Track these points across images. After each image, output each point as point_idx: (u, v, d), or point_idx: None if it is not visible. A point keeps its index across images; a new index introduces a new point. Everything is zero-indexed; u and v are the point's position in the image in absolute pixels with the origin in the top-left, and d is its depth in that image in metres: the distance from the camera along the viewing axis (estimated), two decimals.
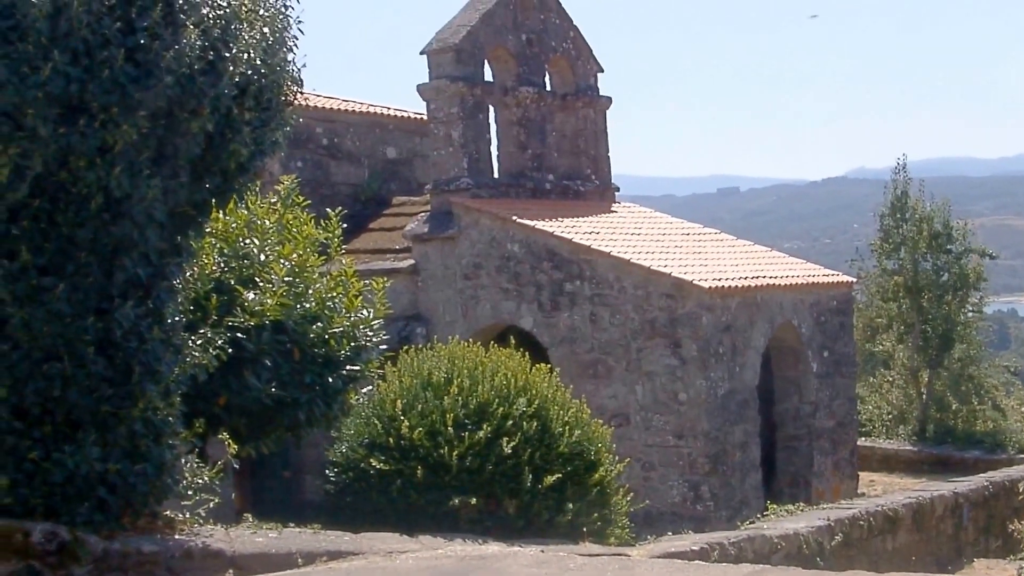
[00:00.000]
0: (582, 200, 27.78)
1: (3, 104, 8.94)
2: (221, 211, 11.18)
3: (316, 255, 12.44)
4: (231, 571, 10.01)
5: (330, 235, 12.80)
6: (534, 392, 12.63)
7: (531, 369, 13.14)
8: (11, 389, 9.56)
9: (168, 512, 10.29)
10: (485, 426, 12.12)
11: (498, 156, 26.79)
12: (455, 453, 12.01)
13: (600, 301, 23.42)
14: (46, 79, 8.89)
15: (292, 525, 11.12)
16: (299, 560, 10.20)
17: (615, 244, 24.34)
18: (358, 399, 12.38)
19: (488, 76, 26.77)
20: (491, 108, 26.44)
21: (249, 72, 9.78)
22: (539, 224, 24.21)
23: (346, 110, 29.37)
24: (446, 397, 12.36)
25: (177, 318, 10.31)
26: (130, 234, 9.60)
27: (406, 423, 12.28)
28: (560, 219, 24.98)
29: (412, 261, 25.03)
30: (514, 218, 24.29)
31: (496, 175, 26.42)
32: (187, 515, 10.40)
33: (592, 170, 28.45)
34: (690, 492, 23.16)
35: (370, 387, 12.80)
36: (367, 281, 13.04)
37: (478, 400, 12.35)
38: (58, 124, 9.11)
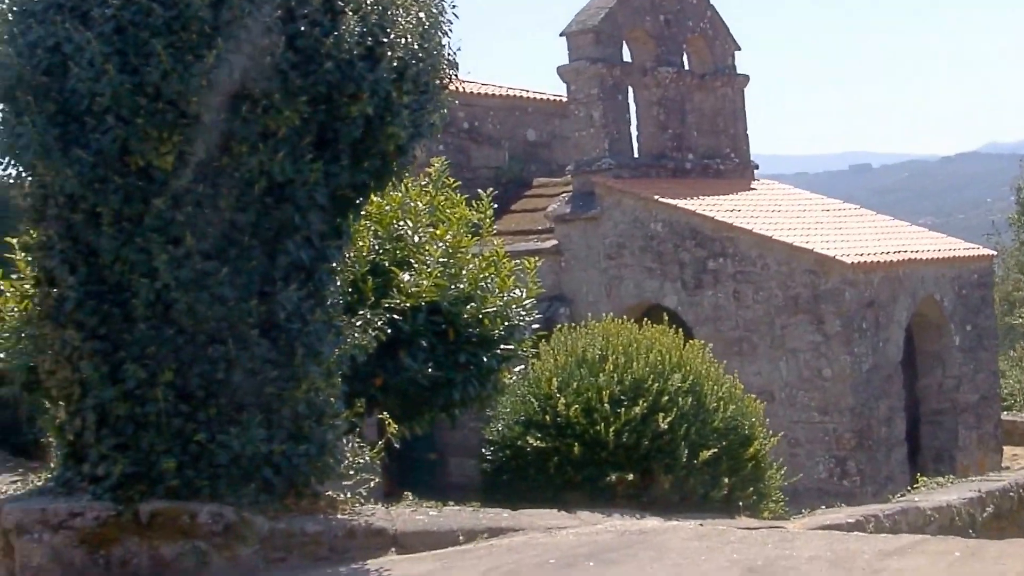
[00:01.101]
0: (722, 179, 27.67)
1: (168, 92, 9.14)
2: (379, 194, 11.30)
3: (469, 236, 12.53)
4: (393, 549, 10.13)
5: (482, 216, 12.88)
6: (688, 368, 12.63)
7: (684, 346, 13.15)
8: (176, 372, 9.76)
9: (329, 492, 10.40)
10: (641, 402, 12.13)
11: (638, 136, 26.78)
12: (611, 429, 12.04)
13: (743, 278, 23.32)
14: (209, 67, 9.07)
15: (451, 504, 11.22)
16: (460, 537, 10.29)
17: (757, 221, 24.23)
18: (511, 378, 12.45)
19: (627, 57, 26.76)
20: (630, 89, 26.41)
21: (406, 56, 9.88)
22: (681, 203, 24.18)
23: (486, 94, 29.54)
24: (601, 374, 12.39)
25: (338, 300, 10.44)
26: (292, 218, 9.76)
27: (562, 401, 12.33)
28: (701, 198, 24.91)
29: (555, 242, 25.09)
30: (656, 197, 24.26)
31: (636, 155, 26.41)
32: (347, 495, 10.50)
33: (731, 149, 28.32)
34: (836, 468, 23.00)
35: (521, 366, 12.84)
36: (517, 262, 13.10)
37: (633, 377, 12.37)
38: (221, 111, 9.28)
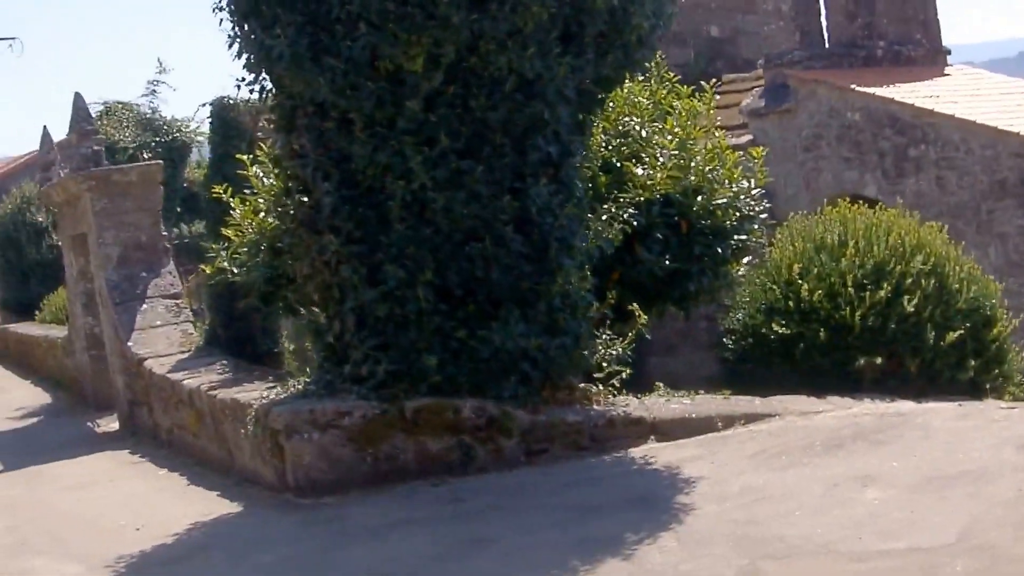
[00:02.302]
0: (914, 66, 27.07)
1: None
2: (620, 86, 11.31)
3: (696, 128, 12.47)
4: (652, 437, 10.24)
5: (707, 107, 12.81)
6: (929, 250, 12.50)
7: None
8: (435, 272, 9.93)
9: (583, 384, 10.52)
10: (884, 285, 12.03)
11: (827, 26, 26.34)
12: (857, 313, 11.96)
13: (946, 165, 22.90)
14: None
15: (701, 392, 11.27)
16: (719, 424, 10.36)
17: (956, 107, 23.72)
18: (741, 270, 12.40)
19: None
20: None
21: None
22: (878, 91, 23.77)
23: None
24: (843, 259, 12.31)
25: (583, 194, 10.51)
26: (542, 113, 9.84)
27: (805, 286, 12.27)
28: (897, 85, 24.42)
29: (750, 137, 24.84)
30: (852, 86, 23.89)
31: (827, 46, 26.02)
32: (600, 387, 10.60)
33: (921, 34, 27.69)
34: None
35: (749, 257, 12.78)
36: (741, 153, 13.03)
37: (874, 260, 12.26)
38: (469, 10, 9.36)
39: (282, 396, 10.70)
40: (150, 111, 24.78)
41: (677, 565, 7.11)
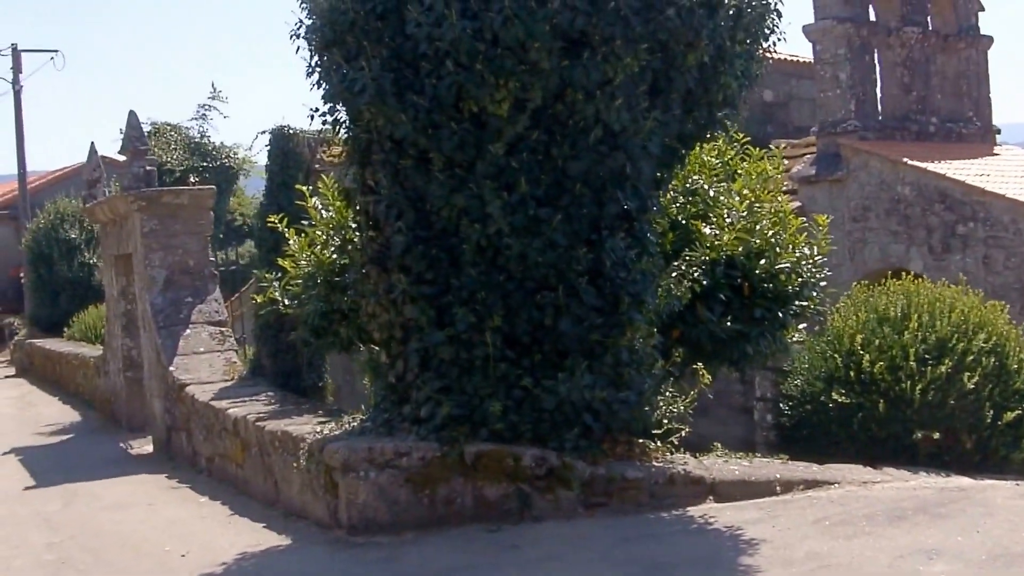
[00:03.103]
0: (964, 143, 27.05)
1: (508, 38, 9.18)
2: (701, 146, 11.24)
3: (765, 191, 12.40)
4: (711, 497, 10.13)
5: (776, 170, 12.73)
6: (991, 329, 12.43)
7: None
8: (504, 318, 9.85)
9: (640, 440, 10.43)
10: (946, 361, 11.97)
11: (881, 98, 26.31)
12: (918, 387, 11.90)
13: (994, 243, 22.81)
14: (554, 12, 9.10)
15: (758, 455, 11.19)
16: (778, 488, 10.25)
17: (1007, 186, 23.67)
18: (795, 336, 12.31)
19: (871, 16, 26.32)
20: (875, 50, 25.99)
21: (742, 3, 9.82)
22: (930, 166, 23.72)
23: None
24: (905, 332, 12.24)
25: (656, 250, 10.43)
26: (624, 166, 9.76)
27: (867, 357, 12.20)
28: (948, 161, 24.38)
29: (799, 203, 24.78)
30: (905, 160, 23.85)
31: (880, 117, 25.99)
32: (658, 444, 10.51)
33: (973, 112, 27.69)
34: None
35: (805, 324, 12.69)
36: (803, 218, 12.95)
37: (937, 335, 12.20)
38: (561, 57, 9.31)
39: (337, 432, 10.64)
40: (199, 135, 24.77)
41: None
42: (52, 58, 43.69)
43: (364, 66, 9.47)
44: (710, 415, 20.78)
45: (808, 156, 25.39)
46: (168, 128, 22.51)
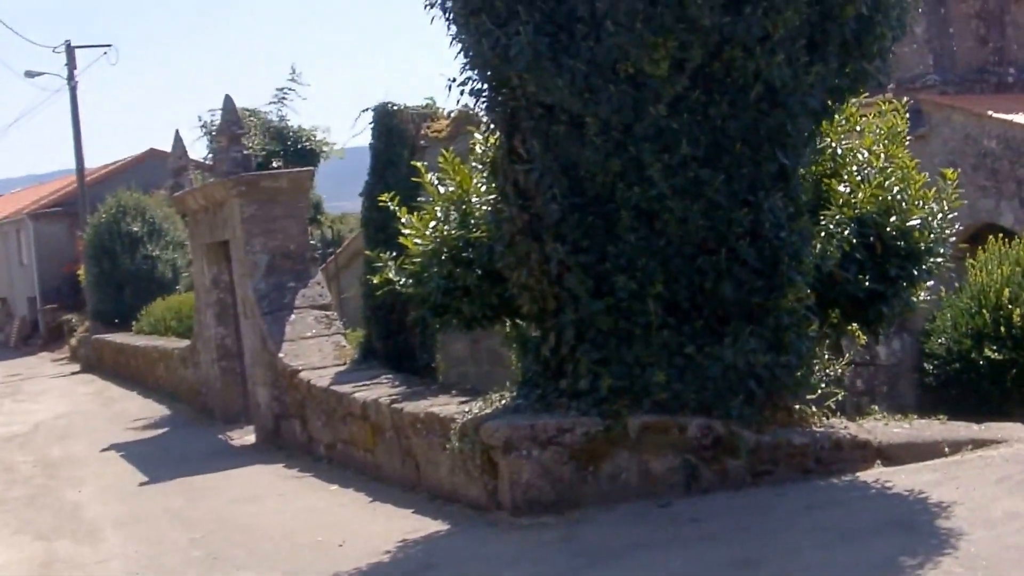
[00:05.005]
0: None
1: None
2: (853, 98, 10.92)
3: (893, 145, 12.08)
4: (879, 461, 9.88)
5: (902, 123, 12.41)
6: None
7: None
8: (664, 284, 9.58)
9: (798, 405, 10.16)
10: None
11: (956, 51, 25.96)
12: None
13: None
14: None
15: (915, 416, 10.90)
16: (945, 449, 9.95)
17: None
18: (923, 294, 12.02)
19: None
20: (949, 2, 25.64)
21: None
22: (1016, 118, 23.34)
23: None
24: None
25: (806, 208, 10.15)
26: (784, 124, 9.47)
27: (1017, 312, 11.94)
28: None
29: None
30: (990, 113, 23.47)
31: (958, 71, 25.64)
32: (814, 408, 10.24)
33: None
34: None
35: (932, 281, 12.39)
36: (932, 176, 12.63)
37: None
38: (721, 14, 9.01)
39: (488, 411, 10.35)
40: (277, 119, 24.56)
41: None
42: (105, 53, 43.67)
43: (520, 30, 9.17)
44: None
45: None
46: (247, 114, 22.29)
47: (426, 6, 10.12)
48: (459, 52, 9.89)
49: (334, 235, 29.63)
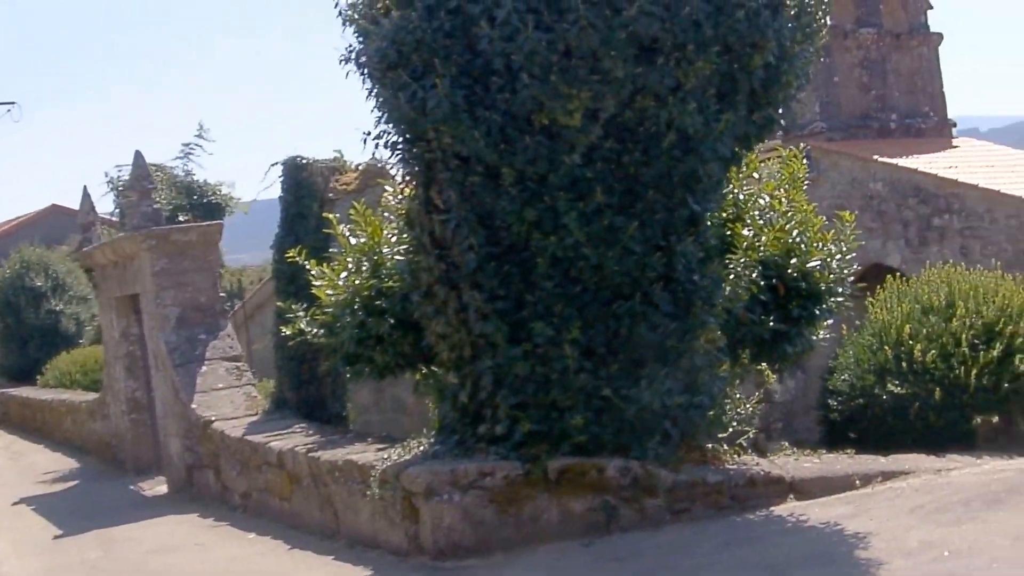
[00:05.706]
0: (923, 137, 27.44)
1: (583, 48, 9.17)
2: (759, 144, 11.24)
3: (793, 191, 12.43)
4: (792, 496, 10.14)
5: (799, 169, 12.77)
6: None
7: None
8: (581, 330, 9.82)
9: (710, 444, 10.43)
10: (996, 345, 12.11)
11: (841, 98, 26.63)
12: (972, 373, 12.02)
13: (971, 234, 23.11)
14: (630, 19, 9.09)
15: (823, 451, 11.24)
16: (857, 482, 10.26)
17: (976, 177, 23.98)
18: (821, 333, 12.35)
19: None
20: (834, 52, 26.29)
21: (803, 3, 9.88)
22: (900, 161, 24.00)
23: None
24: (952, 319, 12.38)
25: (716, 253, 10.45)
26: (696, 170, 9.75)
27: (918, 347, 12.32)
28: (915, 156, 24.71)
29: None
30: (876, 157, 24.12)
31: (842, 117, 26.28)
32: (725, 446, 10.52)
33: (929, 107, 28.13)
34: None
35: (830, 321, 12.74)
36: (827, 218, 13.00)
37: (984, 321, 12.36)
38: (634, 64, 9.30)
39: (408, 457, 10.53)
40: (183, 173, 24.67)
41: None
42: (9, 110, 43.20)
43: (436, 84, 9.40)
44: None
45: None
46: (154, 168, 22.35)
47: (341, 61, 10.28)
48: (375, 106, 10.04)
49: (235, 287, 29.66)
